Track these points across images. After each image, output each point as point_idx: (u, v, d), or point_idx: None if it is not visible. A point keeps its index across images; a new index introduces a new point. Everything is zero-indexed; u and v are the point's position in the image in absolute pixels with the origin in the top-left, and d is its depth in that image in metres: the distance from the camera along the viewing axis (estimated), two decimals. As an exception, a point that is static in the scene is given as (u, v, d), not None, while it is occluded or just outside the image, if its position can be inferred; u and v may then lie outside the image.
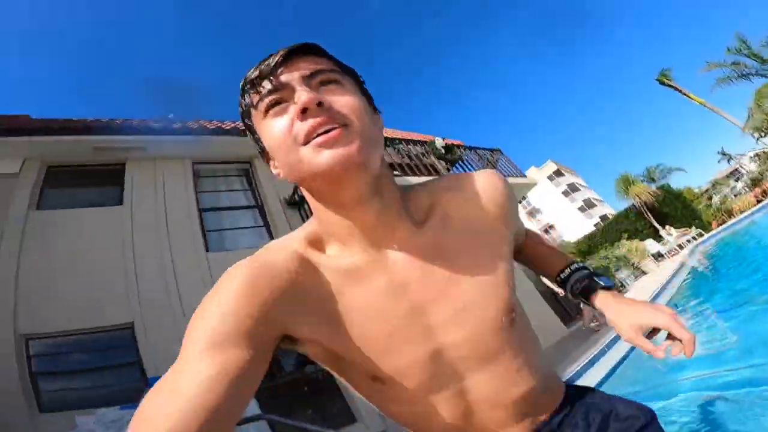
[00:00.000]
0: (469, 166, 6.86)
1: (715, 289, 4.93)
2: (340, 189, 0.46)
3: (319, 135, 0.43)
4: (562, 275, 0.67)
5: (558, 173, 37.50)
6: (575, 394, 0.63)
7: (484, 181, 0.56)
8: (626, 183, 13.63)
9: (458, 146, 6.95)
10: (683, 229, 10.81)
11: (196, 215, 4.99)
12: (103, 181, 5.06)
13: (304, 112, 0.43)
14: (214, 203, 5.44)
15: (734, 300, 4.03)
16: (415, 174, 5.92)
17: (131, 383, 3.54)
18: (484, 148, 7.24)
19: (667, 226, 11.28)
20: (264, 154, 0.51)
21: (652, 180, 18.63)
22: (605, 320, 0.62)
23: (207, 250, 4.64)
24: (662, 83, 17.98)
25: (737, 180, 19.17)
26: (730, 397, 2.35)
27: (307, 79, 0.45)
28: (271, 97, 0.45)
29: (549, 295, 6.49)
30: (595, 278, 0.64)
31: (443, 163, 6.08)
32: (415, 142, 6.54)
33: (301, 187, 0.50)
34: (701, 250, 8.74)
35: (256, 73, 0.46)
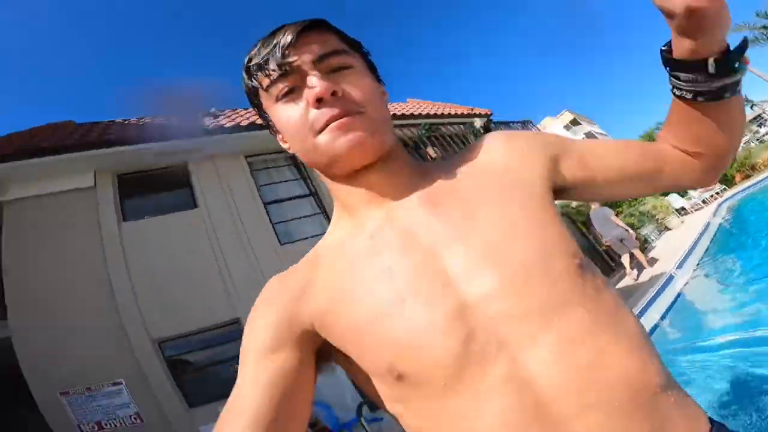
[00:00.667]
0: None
1: (743, 248, 5.28)
2: (354, 167, 0.45)
3: (333, 122, 0.42)
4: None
5: (575, 122, 36.71)
6: None
7: (484, 140, 0.53)
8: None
9: (487, 117, 7.18)
10: (707, 183, 10.99)
11: (263, 211, 5.35)
12: (171, 185, 5.33)
13: (320, 101, 0.42)
14: (274, 196, 5.74)
15: (764, 261, 4.37)
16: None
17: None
18: (515, 122, 7.44)
19: (690, 181, 11.44)
20: (273, 129, 0.51)
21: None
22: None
23: (281, 244, 5.11)
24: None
25: (760, 126, 18.88)
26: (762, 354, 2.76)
27: (317, 63, 0.43)
28: (282, 84, 0.44)
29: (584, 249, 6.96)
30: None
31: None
32: (450, 122, 6.79)
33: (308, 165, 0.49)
34: (727, 206, 8.97)
35: (264, 54, 0.44)
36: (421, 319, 0.38)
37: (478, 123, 6.60)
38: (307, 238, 5.26)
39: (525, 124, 7.57)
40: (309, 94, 0.42)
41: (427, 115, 7.51)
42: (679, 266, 5.22)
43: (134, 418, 3.74)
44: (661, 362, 0.39)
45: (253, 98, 0.49)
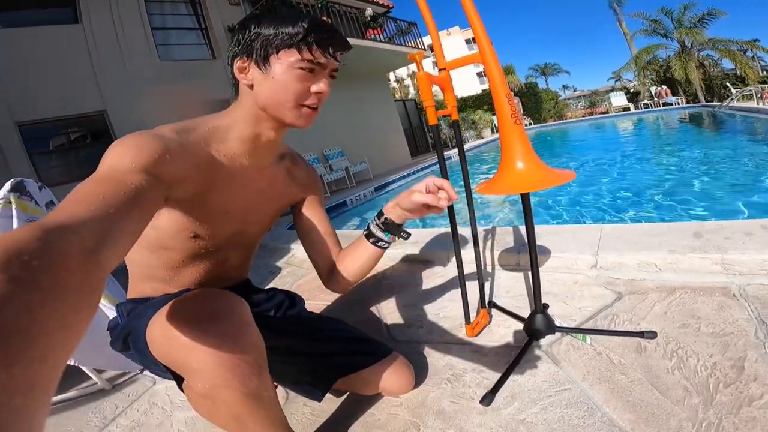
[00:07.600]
0: (387, 32, 8.62)
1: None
2: (283, 129, 0.75)
3: (309, 108, 0.70)
4: (374, 225, 0.79)
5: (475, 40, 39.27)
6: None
7: (312, 172, 0.95)
8: (504, 71, 17.83)
9: (384, 14, 8.49)
10: (524, 116, 15.31)
11: (150, 33, 6.07)
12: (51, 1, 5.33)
13: (318, 94, 0.69)
14: (162, 23, 6.36)
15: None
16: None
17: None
18: (402, 20, 8.90)
19: (514, 111, 16.00)
20: (248, 58, 0.67)
21: (543, 74, 23.97)
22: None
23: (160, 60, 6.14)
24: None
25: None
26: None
27: (332, 72, 0.70)
28: (307, 63, 0.65)
29: (408, 134, 10.41)
30: (377, 220, 0.79)
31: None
32: (347, 2, 7.84)
33: (250, 96, 0.69)
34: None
35: (320, 39, 0.65)
36: (228, 226, 0.78)
37: (369, 11, 7.69)
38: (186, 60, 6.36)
39: (410, 25, 9.08)
40: (318, 87, 0.68)
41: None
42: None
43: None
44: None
45: (274, 44, 0.65)
